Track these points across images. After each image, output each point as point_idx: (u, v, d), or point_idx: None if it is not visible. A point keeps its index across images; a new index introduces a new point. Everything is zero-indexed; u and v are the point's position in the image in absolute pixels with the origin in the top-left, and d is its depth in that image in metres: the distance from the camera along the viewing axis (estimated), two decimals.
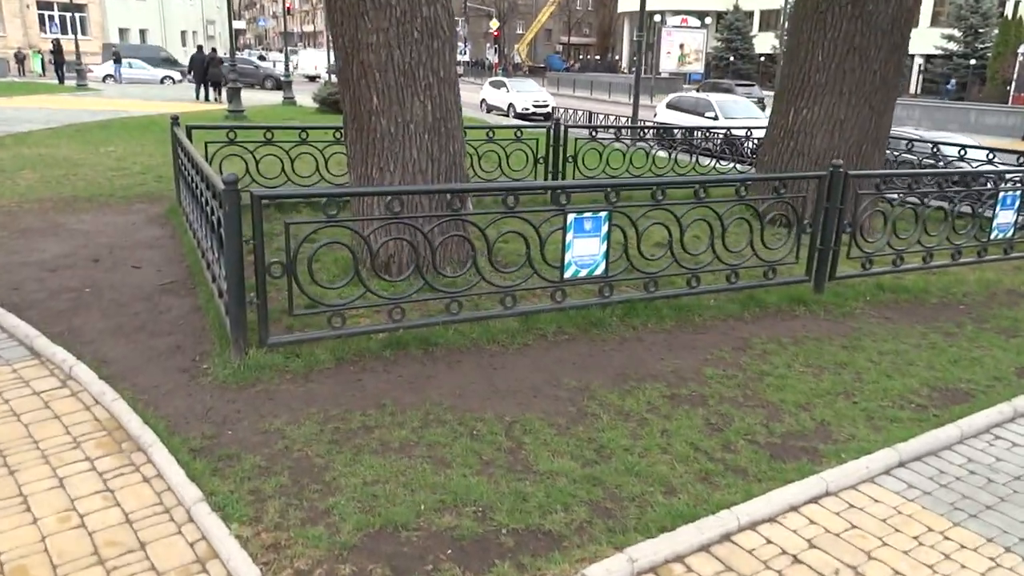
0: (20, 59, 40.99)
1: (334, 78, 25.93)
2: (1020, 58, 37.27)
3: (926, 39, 43.70)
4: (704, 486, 3.57)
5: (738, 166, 12.04)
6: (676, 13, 55.76)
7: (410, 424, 4.04)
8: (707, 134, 12.50)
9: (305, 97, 26.06)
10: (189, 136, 8.04)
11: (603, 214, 5.41)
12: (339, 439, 3.86)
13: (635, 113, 21.81)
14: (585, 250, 5.42)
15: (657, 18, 49.51)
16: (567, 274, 5.43)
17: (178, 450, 3.61)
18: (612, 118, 19.84)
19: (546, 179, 10.18)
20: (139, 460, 3.51)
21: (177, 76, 38.95)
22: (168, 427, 3.85)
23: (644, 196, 6.57)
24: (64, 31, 40.90)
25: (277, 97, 28.13)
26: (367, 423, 4.03)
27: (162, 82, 38.15)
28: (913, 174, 7.08)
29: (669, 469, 3.70)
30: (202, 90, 27.22)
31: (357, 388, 4.44)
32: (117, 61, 37.19)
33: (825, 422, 4.29)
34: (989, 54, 42.60)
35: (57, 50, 34.16)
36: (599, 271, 5.53)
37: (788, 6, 43.26)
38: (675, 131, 12.47)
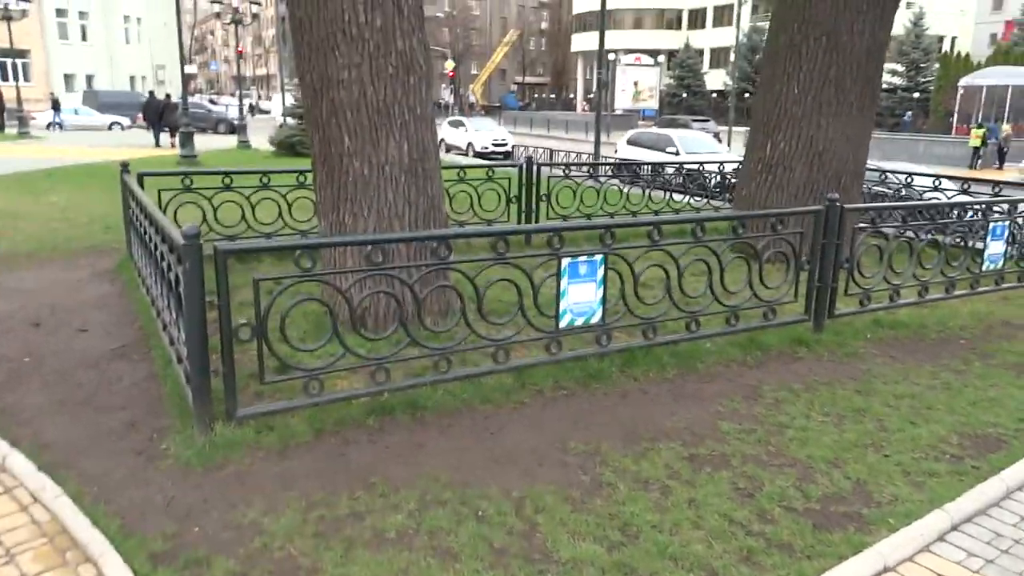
0: None
1: (290, 120, 25.52)
2: (961, 91, 38.57)
3: None
4: (749, 569, 3.13)
5: (713, 202, 11.85)
6: (629, 52, 56.73)
7: (406, 506, 3.54)
8: (680, 170, 12.31)
9: (260, 139, 25.46)
10: (140, 184, 7.47)
11: (598, 257, 5.03)
12: (326, 531, 3.34)
13: (597, 150, 21.77)
14: (581, 296, 5.02)
15: (612, 56, 50.26)
16: (562, 323, 5.01)
17: (135, 556, 3.05)
18: (573, 155, 19.81)
19: (519, 219, 9.81)
20: (88, 575, 2.94)
21: (126, 122, 37.96)
22: (122, 527, 3.28)
23: (627, 235, 6.24)
24: (5, 78, 39.67)
25: (231, 141, 27.49)
26: (356, 508, 3.52)
27: (110, 128, 37.13)
28: (907, 206, 6.88)
29: (706, 548, 3.26)
30: (158, 134, 26.49)
31: (341, 464, 3.92)
32: (56, 108, 36.03)
33: (861, 480, 3.90)
34: (931, 87, 44.06)
35: None
36: (596, 319, 5.13)
37: (738, 44, 44.36)
38: (649, 167, 12.23)
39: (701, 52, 60.61)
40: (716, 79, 57.64)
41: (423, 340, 4.61)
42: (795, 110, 8.79)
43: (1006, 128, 30.77)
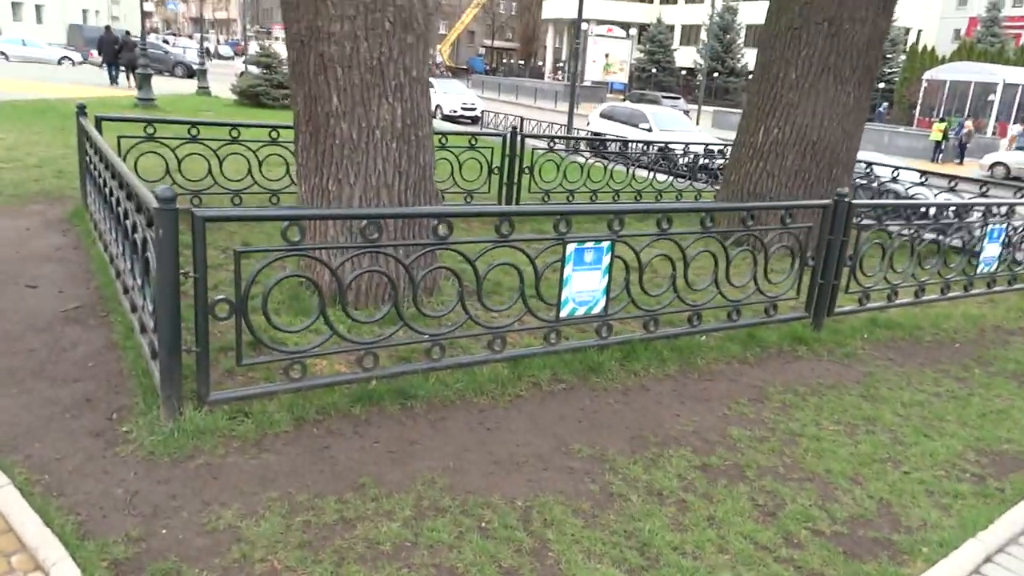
0: None
1: (253, 68, 24.41)
2: (924, 84, 39.04)
3: None
4: None
5: (695, 184, 11.58)
6: (601, 23, 55.99)
7: (401, 513, 3.19)
8: (667, 152, 11.98)
9: (221, 87, 24.33)
10: (98, 129, 6.85)
11: (605, 244, 4.68)
12: (312, 540, 2.97)
13: (570, 121, 21.35)
14: (585, 285, 4.68)
15: (584, 26, 49.54)
16: (563, 312, 4.67)
17: (94, 566, 2.64)
18: (545, 124, 19.30)
19: (500, 191, 9.40)
20: None
21: (78, 57, 36.12)
22: (78, 527, 2.86)
23: (628, 220, 5.90)
24: None
25: (190, 86, 26.26)
26: (345, 514, 3.15)
27: (60, 63, 35.25)
28: (913, 205, 6.69)
29: None
30: (115, 73, 25.17)
31: (326, 460, 3.54)
32: None
33: (885, 501, 3.68)
34: (896, 79, 44.47)
35: None
36: (598, 309, 4.80)
37: (711, 23, 44.09)
38: (639, 145, 11.88)
39: (672, 28, 60.17)
40: (686, 56, 57.30)
41: (415, 324, 4.22)
42: (791, 96, 8.52)
43: (968, 124, 31.22)
